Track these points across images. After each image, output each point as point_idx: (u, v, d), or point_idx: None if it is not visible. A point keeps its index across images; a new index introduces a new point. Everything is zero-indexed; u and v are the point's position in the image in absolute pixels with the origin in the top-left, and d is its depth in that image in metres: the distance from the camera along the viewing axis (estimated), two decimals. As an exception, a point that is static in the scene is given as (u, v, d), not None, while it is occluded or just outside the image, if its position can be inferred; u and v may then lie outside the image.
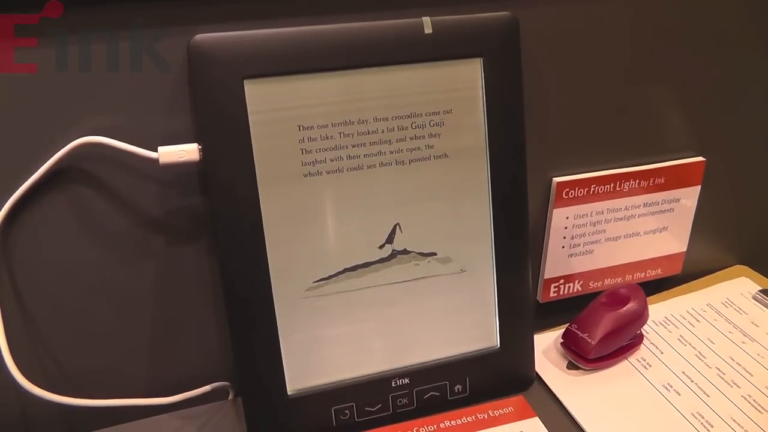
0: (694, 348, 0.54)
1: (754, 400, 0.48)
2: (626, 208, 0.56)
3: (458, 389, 0.48)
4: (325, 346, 0.45)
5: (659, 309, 0.58)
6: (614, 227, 0.56)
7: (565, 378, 0.51)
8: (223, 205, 0.41)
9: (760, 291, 0.60)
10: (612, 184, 0.54)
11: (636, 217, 0.57)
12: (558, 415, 0.48)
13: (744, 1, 0.53)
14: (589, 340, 0.50)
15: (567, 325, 0.53)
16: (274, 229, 0.42)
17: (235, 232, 0.41)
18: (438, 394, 0.47)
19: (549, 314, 0.57)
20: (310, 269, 0.44)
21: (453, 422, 0.47)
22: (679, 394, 0.49)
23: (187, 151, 0.41)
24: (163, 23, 0.40)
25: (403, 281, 0.45)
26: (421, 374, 0.47)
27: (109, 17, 0.39)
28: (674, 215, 0.58)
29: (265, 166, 0.41)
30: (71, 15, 0.38)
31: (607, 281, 0.59)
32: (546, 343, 0.54)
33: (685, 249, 0.60)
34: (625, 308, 0.52)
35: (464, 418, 0.47)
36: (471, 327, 0.48)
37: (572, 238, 0.55)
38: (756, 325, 0.56)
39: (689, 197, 0.58)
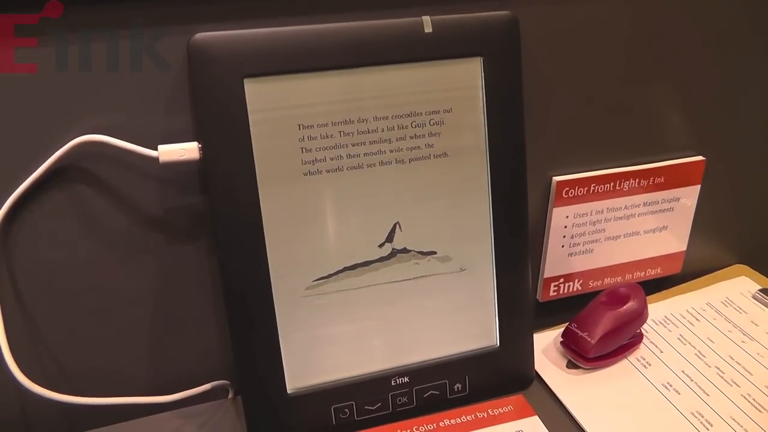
0: (694, 347, 0.54)
1: (754, 399, 0.48)
2: (626, 208, 0.56)
3: (458, 388, 0.48)
4: (325, 344, 0.45)
5: (659, 308, 0.58)
6: (614, 226, 0.56)
7: (565, 377, 0.51)
8: (223, 203, 0.41)
9: (759, 290, 0.60)
10: (612, 184, 0.54)
11: (636, 216, 0.57)
12: (557, 414, 0.48)
13: (744, 1, 0.53)
14: (589, 339, 0.50)
15: (567, 324, 0.53)
16: (274, 228, 0.42)
17: (235, 230, 0.41)
18: (437, 392, 0.47)
19: (549, 313, 0.57)
20: (310, 268, 0.44)
21: (452, 421, 0.47)
22: (679, 393, 0.49)
23: (187, 150, 0.41)
24: (163, 22, 0.40)
25: (403, 280, 0.45)
26: (421, 373, 0.47)
27: (109, 17, 0.39)
28: (674, 214, 0.58)
29: (265, 164, 0.41)
30: (71, 15, 0.38)
31: (607, 280, 0.59)
32: (546, 342, 0.54)
33: (684, 248, 0.61)
34: (624, 307, 0.52)
35: (464, 416, 0.47)
36: (470, 326, 0.48)
37: (572, 237, 0.55)
38: (756, 324, 0.56)
39: (689, 196, 0.58)
